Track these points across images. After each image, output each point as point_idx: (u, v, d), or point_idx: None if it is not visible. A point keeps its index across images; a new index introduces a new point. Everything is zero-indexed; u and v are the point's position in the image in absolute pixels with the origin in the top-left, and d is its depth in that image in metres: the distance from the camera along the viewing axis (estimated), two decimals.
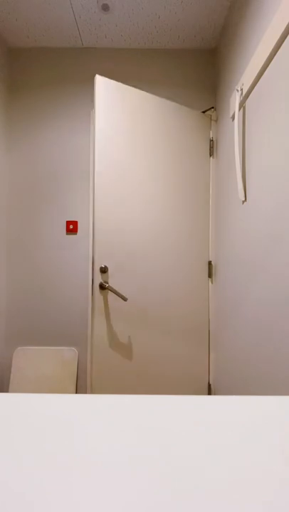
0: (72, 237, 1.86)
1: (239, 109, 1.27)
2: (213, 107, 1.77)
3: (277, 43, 0.92)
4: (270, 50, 0.96)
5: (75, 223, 1.86)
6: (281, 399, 0.48)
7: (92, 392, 1.91)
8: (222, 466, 0.32)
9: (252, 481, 0.30)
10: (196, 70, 1.83)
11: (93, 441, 0.36)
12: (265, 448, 0.35)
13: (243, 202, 1.22)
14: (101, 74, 1.86)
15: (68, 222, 1.86)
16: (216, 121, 1.71)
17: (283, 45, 0.90)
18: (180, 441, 0.36)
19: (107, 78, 1.43)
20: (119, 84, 1.46)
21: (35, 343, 1.85)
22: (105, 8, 1.56)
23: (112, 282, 1.45)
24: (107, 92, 1.43)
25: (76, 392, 1.83)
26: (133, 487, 0.28)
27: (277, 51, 0.94)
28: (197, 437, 0.37)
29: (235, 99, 1.26)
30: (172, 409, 0.44)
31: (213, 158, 1.71)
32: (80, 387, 1.83)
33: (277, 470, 0.32)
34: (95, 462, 0.32)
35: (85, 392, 1.86)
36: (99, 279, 1.42)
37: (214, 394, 1.60)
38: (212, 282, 1.65)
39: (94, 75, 1.86)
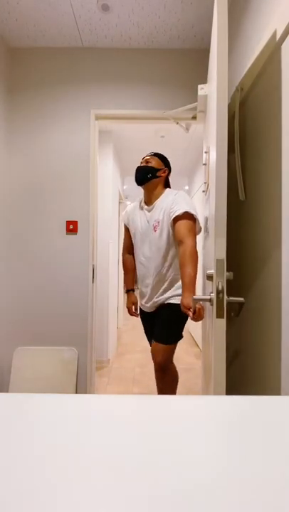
0: (72, 237, 1.86)
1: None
2: None
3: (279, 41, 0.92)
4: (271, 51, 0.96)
5: (75, 223, 1.86)
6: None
7: (92, 392, 1.90)
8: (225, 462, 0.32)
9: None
10: (196, 70, 1.83)
11: (93, 440, 0.36)
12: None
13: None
14: (101, 74, 1.86)
15: (68, 222, 1.86)
16: None
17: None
18: (180, 441, 0.36)
19: None
20: None
21: (35, 343, 1.85)
22: (105, 8, 1.55)
23: None
24: None
25: (76, 392, 1.83)
26: (133, 485, 0.28)
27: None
28: (196, 436, 0.37)
29: (236, 98, 1.26)
30: (172, 409, 0.44)
31: None
32: (80, 387, 1.83)
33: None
34: (95, 461, 0.32)
35: (85, 392, 1.86)
36: None
37: None
38: None
39: (94, 75, 1.86)
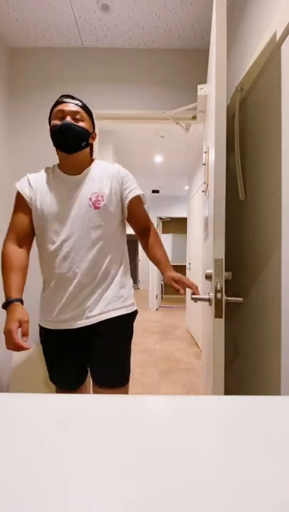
0: None
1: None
2: None
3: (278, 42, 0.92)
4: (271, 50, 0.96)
5: None
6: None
7: (92, 392, 1.90)
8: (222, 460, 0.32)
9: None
10: (196, 70, 1.83)
11: (93, 440, 0.36)
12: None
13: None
14: (101, 74, 1.86)
15: None
16: None
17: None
18: (180, 440, 0.36)
19: None
20: None
21: (35, 343, 1.85)
22: (105, 8, 1.56)
23: None
24: None
25: None
26: (133, 485, 0.28)
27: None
28: (196, 436, 0.37)
29: (236, 99, 1.26)
30: (172, 409, 0.44)
31: None
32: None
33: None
34: (95, 461, 0.32)
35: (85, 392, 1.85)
36: None
37: None
38: None
39: (94, 75, 1.86)
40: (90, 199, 1.02)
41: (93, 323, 1.01)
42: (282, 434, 0.37)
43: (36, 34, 1.75)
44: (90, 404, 0.45)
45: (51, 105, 1.85)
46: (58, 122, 1.00)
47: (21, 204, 1.07)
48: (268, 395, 0.47)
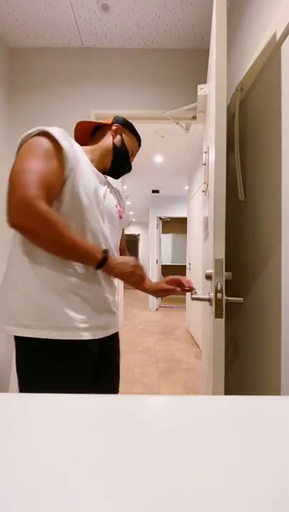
0: None
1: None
2: None
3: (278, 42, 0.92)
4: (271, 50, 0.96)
5: None
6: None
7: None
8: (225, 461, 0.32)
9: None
10: (196, 70, 1.83)
11: (93, 440, 0.36)
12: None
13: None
14: (101, 74, 1.86)
15: None
16: None
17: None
18: (180, 441, 0.36)
19: None
20: None
21: None
22: (105, 8, 1.56)
23: None
24: None
25: None
26: (132, 486, 0.28)
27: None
28: (196, 436, 0.37)
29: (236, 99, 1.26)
30: (172, 409, 0.44)
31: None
32: None
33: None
34: (95, 462, 0.32)
35: None
36: None
37: None
38: None
39: (94, 75, 1.86)
40: (116, 206, 0.97)
41: (113, 333, 0.93)
42: (282, 434, 0.37)
43: (36, 34, 1.75)
44: (89, 404, 0.45)
45: (51, 105, 1.86)
46: (129, 154, 1.02)
47: (60, 160, 0.74)
48: (268, 395, 0.47)
